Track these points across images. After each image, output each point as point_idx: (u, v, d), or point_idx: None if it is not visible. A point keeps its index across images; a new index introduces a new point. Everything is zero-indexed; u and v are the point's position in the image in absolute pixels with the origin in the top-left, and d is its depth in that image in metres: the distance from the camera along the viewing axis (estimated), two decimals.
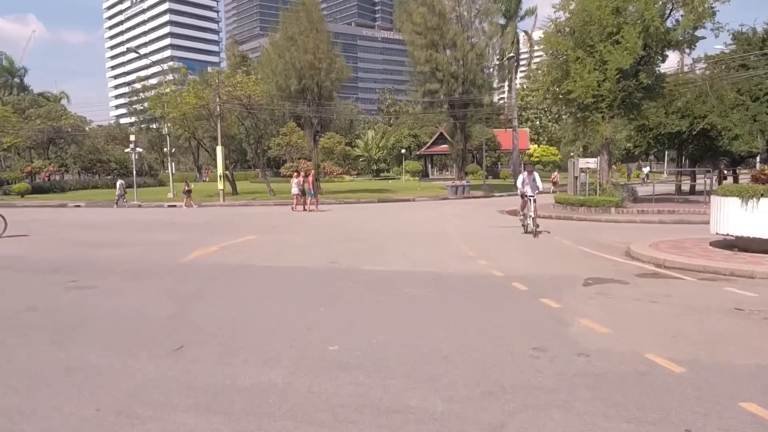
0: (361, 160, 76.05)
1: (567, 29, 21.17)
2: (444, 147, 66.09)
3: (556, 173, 37.76)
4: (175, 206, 29.86)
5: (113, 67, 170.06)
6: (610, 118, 20.66)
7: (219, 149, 31.53)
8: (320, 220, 20.22)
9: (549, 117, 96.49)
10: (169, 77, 33.55)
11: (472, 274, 8.78)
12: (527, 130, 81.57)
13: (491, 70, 37.54)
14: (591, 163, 20.67)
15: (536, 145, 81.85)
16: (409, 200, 32.18)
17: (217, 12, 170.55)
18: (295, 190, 24.97)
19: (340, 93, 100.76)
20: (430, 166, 68.86)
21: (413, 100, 38.54)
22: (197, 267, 9.84)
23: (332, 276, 8.77)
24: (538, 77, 22.61)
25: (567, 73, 20.65)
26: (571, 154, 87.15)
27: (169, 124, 34.84)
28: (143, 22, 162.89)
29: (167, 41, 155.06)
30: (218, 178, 31.28)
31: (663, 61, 20.78)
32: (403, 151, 64.34)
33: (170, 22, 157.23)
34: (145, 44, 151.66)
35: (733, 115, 24.59)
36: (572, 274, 8.57)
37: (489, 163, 67.74)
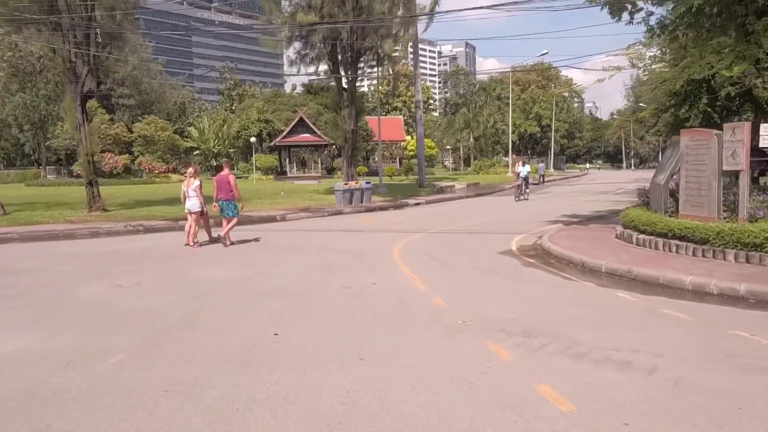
0: (195, 153, 58.11)
1: None
2: (305, 137, 51.38)
3: (519, 164, 25.14)
4: None
5: None
6: None
7: None
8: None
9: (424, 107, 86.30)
10: None
11: None
12: (401, 118, 69.66)
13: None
14: None
15: (410, 137, 70.48)
16: (275, 219, 17.37)
17: None
18: (195, 204, 12.18)
19: (172, 75, 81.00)
20: (287, 161, 53.77)
21: (271, 51, 23.37)
22: None
23: None
24: None
25: None
26: (448, 147, 78.03)
27: None
28: None
29: None
30: None
31: None
32: (252, 140, 48.47)
33: None
34: None
35: None
36: None
37: (360, 157, 54.47)
